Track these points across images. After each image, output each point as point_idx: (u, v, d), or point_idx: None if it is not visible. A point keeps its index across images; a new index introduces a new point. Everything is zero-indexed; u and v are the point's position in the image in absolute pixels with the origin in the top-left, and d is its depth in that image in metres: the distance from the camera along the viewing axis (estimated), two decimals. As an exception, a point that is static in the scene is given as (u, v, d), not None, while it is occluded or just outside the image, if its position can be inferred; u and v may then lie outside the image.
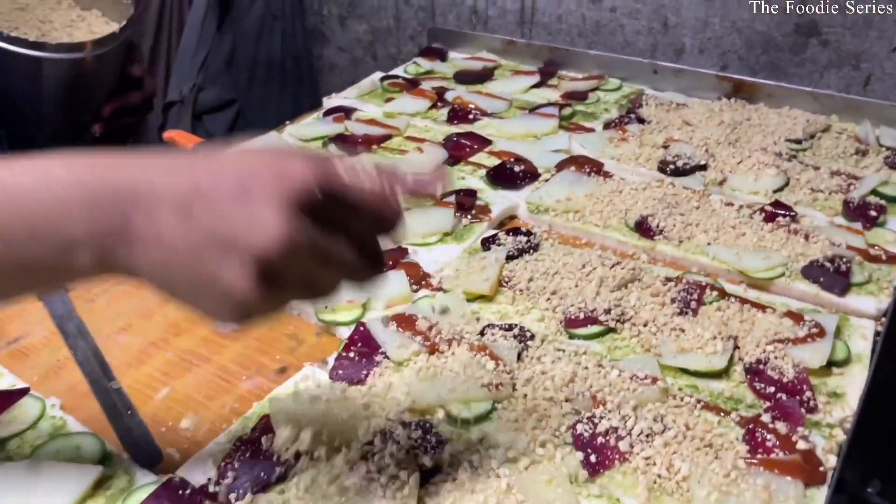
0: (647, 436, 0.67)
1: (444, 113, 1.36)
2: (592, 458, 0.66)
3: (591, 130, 1.29)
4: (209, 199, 0.48)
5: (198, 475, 0.65)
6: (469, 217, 1.03)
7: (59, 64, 1.05)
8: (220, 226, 0.48)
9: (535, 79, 1.49)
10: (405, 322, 0.81)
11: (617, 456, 0.66)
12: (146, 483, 0.65)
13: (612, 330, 0.82)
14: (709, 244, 0.96)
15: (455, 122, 1.32)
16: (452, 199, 1.05)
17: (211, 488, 0.63)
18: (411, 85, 1.47)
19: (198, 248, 0.48)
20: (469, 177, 1.15)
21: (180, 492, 0.63)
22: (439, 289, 0.90)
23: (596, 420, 0.69)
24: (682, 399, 0.72)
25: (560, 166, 1.14)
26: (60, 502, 0.62)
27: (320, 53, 2.25)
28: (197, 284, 0.50)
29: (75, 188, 0.49)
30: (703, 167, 1.15)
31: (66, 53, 1.05)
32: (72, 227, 0.49)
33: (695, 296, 0.86)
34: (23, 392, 0.74)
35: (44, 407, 0.73)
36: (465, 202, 1.05)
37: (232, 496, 0.63)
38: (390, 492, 0.62)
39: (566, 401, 0.71)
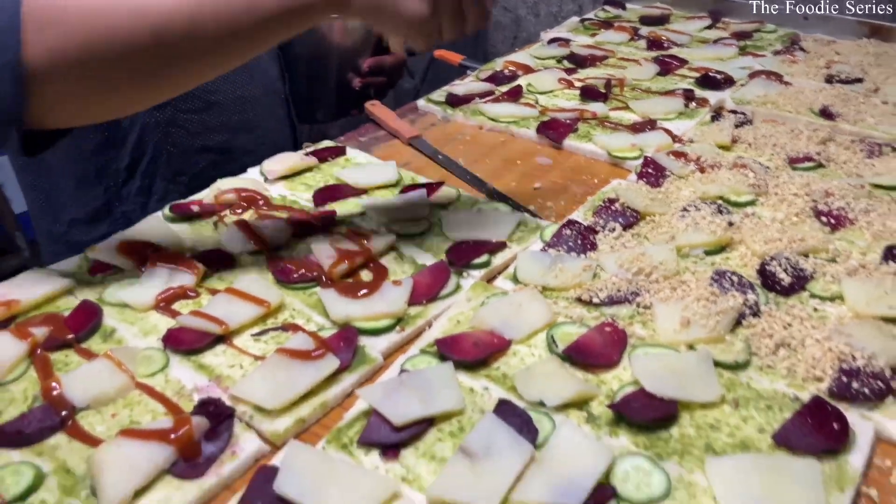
0: (866, 211, 1.04)
1: (642, 44, 1.73)
2: (832, 221, 1.03)
3: (764, 56, 1.66)
4: None
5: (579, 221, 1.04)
6: (693, 104, 1.41)
7: (338, 28, 1.40)
8: None
9: (707, 22, 1.86)
10: (678, 154, 1.19)
11: (847, 221, 1.03)
12: (547, 225, 1.04)
13: (822, 165, 1.19)
14: (875, 125, 1.33)
15: (654, 48, 1.70)
16: (679, 91, 1.43)
17: (594, 227, 1.03)
18: (606, 25, 1.86)
19: None
20: (680, 83, 1.52)
21: (577, 225, 1.02)
22: (689, 141, 1.28)
23: (830, 203, 1.06)
24: (881, 198, 1.09)
25: (752, 76, 1.52)
26: (504, 231, 1.02)
27: (487, 12, 2.65)
28: (388, 12, 0.83)
29: None
30: (860, 80, 1.51)
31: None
32: None
33: (876, 150, 1.22)
34: (441, 183, 1.14)
35: (458, 192, 1.13)
36: (687, 93, 1.43)
37: (608, 231, 1.02)
38: (711, 227, 1.00)
39: (806, 195, 1.09)
